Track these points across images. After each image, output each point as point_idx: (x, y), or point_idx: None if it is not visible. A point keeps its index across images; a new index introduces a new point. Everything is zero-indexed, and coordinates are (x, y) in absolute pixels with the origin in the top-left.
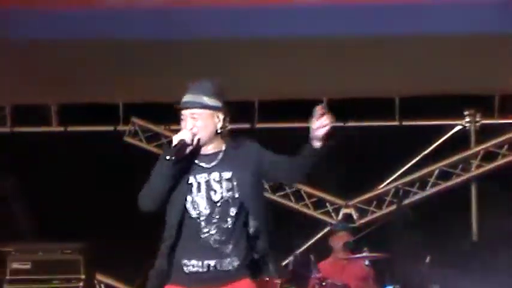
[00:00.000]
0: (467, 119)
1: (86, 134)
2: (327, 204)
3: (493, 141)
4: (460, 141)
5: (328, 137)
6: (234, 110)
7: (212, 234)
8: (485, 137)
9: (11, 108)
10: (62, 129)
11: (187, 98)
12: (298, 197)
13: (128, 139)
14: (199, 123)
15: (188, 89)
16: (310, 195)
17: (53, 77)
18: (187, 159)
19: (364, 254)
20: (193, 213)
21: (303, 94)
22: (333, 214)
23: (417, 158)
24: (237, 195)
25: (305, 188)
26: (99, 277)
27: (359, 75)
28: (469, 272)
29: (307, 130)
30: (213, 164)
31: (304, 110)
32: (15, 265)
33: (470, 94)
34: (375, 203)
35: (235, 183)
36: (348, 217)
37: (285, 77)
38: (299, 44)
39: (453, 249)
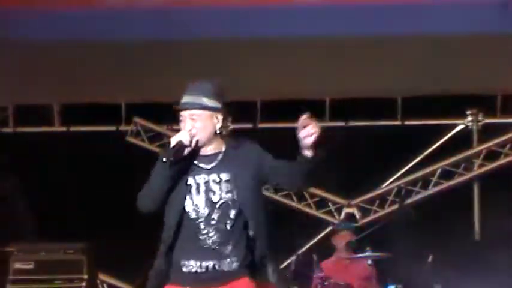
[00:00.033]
0: (470, 119)
1: (88, 134)
2: (329, 203)
3: (496, 141)
4: (463, 140)
5: (316, 145)
6: (236, 110)
7: (211, 236)
8: (487, 136)
9: (13, 108)
10: (64, 129)
11: (186, 98)
12: (301, 196)
13: (130, 139)
14: (198, 125)
15: (187, 90)
16: (312, 195)
17: (54, 77)
18: (186, 160)
19: (366, 254)
20: (192, 215)
21: (303, 94)
22: (335, 213)
23: (419, 158)
24: (236, 198)
25: None
26: (102, 277)
27: (359, 75)
28: (471, 272)
29: None
30: (213, 165)
31: (306, 110)
32: (18, 265)
33: (473, 94)
34: (377, 202)
35: (234, 185)
36: (351, 216)
37: (285, 77)
38: (299, 44)
39: (455, 248)
